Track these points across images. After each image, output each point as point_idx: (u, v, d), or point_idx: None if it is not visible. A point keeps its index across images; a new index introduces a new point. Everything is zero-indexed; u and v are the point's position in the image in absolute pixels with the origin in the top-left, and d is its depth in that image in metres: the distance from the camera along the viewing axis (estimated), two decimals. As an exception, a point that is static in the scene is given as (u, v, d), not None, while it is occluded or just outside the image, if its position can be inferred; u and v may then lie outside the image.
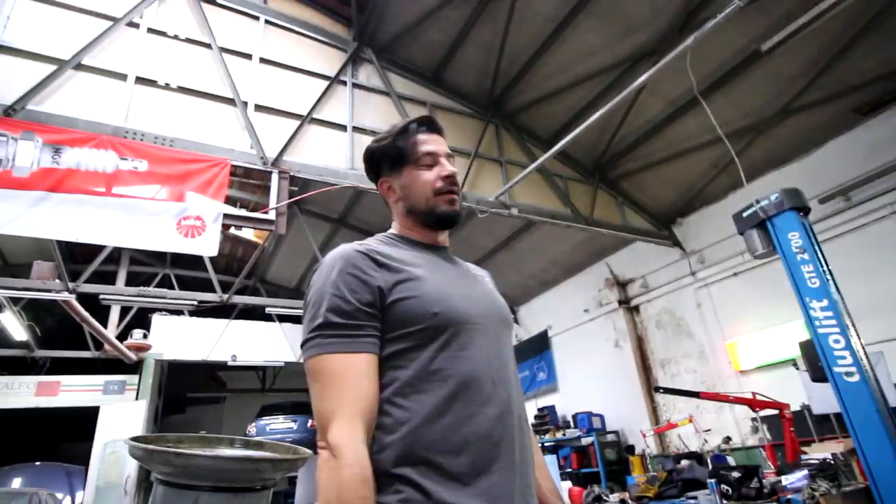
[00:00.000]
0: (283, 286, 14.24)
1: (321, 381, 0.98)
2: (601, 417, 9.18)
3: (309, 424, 12.34)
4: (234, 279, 9.98)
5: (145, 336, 11.07)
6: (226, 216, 5.06)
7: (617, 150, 7.91)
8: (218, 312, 11.75)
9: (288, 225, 11.50)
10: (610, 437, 8.91)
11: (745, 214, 3.95)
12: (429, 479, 0.93)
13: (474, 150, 7.10)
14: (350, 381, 0.96)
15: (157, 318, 11.30)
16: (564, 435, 9.13)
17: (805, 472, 3.08)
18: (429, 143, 1.23)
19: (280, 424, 12.13)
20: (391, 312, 1.03)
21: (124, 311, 10.52)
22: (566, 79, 7.02)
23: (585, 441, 8.70)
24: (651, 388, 8.83)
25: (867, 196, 6.32)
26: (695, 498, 3.41)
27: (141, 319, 11.16)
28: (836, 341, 3.31)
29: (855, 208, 6.44)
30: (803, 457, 4.60)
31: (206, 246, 4.88)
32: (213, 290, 8.98)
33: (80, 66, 5.04)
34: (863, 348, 3.33)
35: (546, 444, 9.24)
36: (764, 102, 6.64)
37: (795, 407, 6.03)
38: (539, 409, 10.21)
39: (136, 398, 11.16)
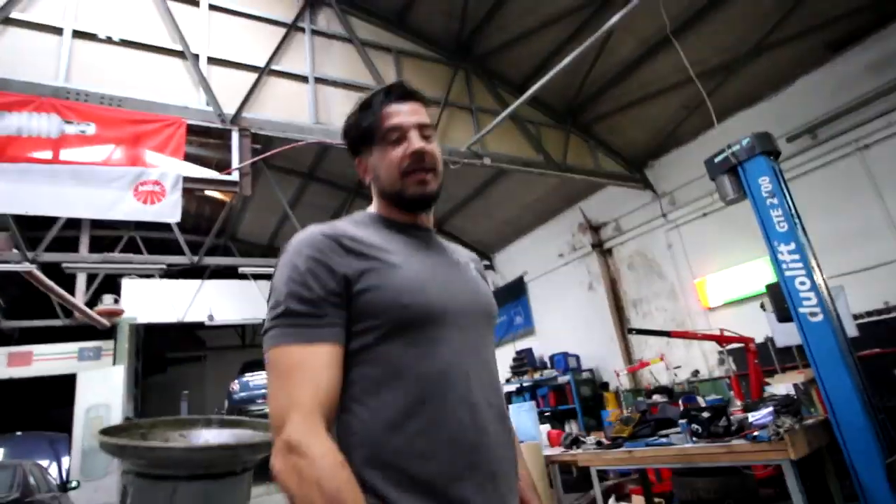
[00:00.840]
0: (256, 243, 13.99)
1: (277, 374, 0.90)
2: (577, 357, 9.51)
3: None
4: (203, 238, 9.73)
5: (116, 301, 10.85)
6: (186, 179, 4.84)
7: (589, 92, 7.76)
8: (190, 273, 11.53)
9: (254, 182, 11.17)
10: (585, 376, 9.28)
11: (716, 160, 3.95)
12: (393, 486, 0.87)
13: (444, 99, 6.87)
14: (308, 373, 0.88)
15: (126, 282, 11.05)
16: (542, 375, 9.45)
17: (770, 408, 3.24)
18: (396, 115, 1.09)
19: (264, 380, 12.18)
20: (357, 303, 0.95)
21: (91, 276, 10.23)
22: (536, 19, 6.74)
23: (562, 380, 9.03)
24: (624, 327, 9.12)
25: (833, 133, 6.39)
26: (666, 436, 3.57)
27: (110, 283, 10.89)
28: (802, 283, 3.42)
29: (821, 146, 6.52)
30: (767, 388, 4.86)
31: (168, 212, 4.68)
32: (181, 253, 8.73)
33: (8, 21, 4.60)
34: (826, 289, 3.45)
35: (525, 385, 9.59)
36: (737, 40, 6.53)
37: (760, 339, 6.31)
38: (517, 352, 10.51)
39: (114, 363, 11.08)
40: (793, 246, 3.47)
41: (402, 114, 1.10)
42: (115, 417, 10.43)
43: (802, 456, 2.89)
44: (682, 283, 8.26)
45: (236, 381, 12.16)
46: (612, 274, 9.44)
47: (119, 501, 2.06)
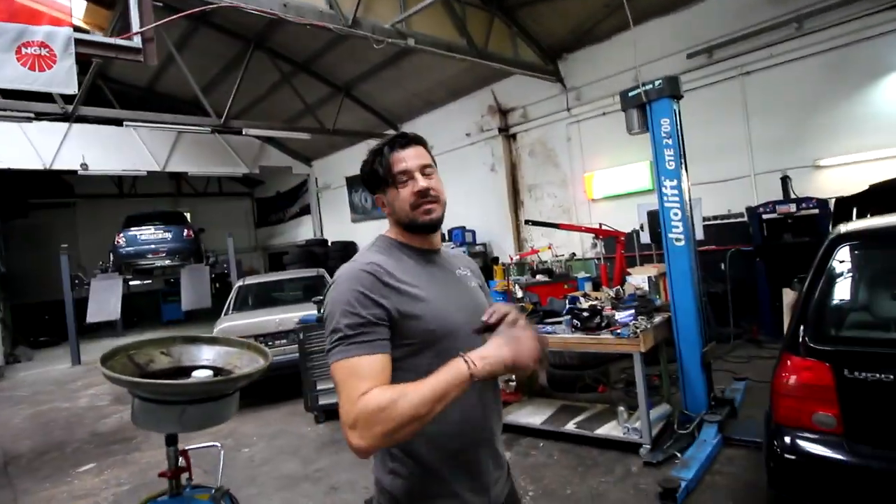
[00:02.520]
0: (133, 85, 12.33)
1: (342, 380, 1.11)
2: (473, 233, 10.39)
3: (185, 234, 12.12)
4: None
5: (-37, 142, 9.38)
6: (79, 42, 4.24)
7: (518, -28, 7.51)
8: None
9: (185, 44, 9.61)
10: (479, 249, 10.26)
11: (630, 94, 4.33)
12: (429, 450, 1.22)
13: (369, -36, 6.28)
14: (365, 373, 1.11)
15: (-26, 122, 9.45)
16: (440, 247, 10.27)
17: (632, 311, 4.16)
18: (402, 161, 1.30)
19: (152, 235, 11.74)
20: (397, 327, 1.20)
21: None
22: None
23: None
24: (518, 208, 10.03)
25: (725, 56, 7.04)
26: (554, 323, 4.42)
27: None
28: (675, 214, 4.18)
29: (714, 65, 7.20)
30: (627, 277, 5.98)
31: (62, 80, 4.14)
32: (49, 98, 7.61)
33: None
34: (691, 218, 4.25)
35: (423, 255, 10.39)
36: (666, -56, 6.60)
37: (628, 230, 7.44)
38: (418, 223, 11.14)
39: (-30, 213, 9.88)
40: (675, 182, 4.16)
41: (407, 159, 1.30)
42: (-16, 271, 9.66)
43: (649, 348, 3.88)
44: (574, 174, 9.12)
45: (122, 235, 11.55)
46: (514, 159, 10.04)
47: (131, 414, 2.22)
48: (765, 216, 6.49)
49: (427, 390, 1.05)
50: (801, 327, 2.33)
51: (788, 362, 2.33)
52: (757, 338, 6.57)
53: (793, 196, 6.54)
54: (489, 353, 1.09)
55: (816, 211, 6.03)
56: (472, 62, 8.06)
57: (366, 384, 1.08)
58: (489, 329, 1.16)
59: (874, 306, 2.37)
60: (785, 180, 6.65)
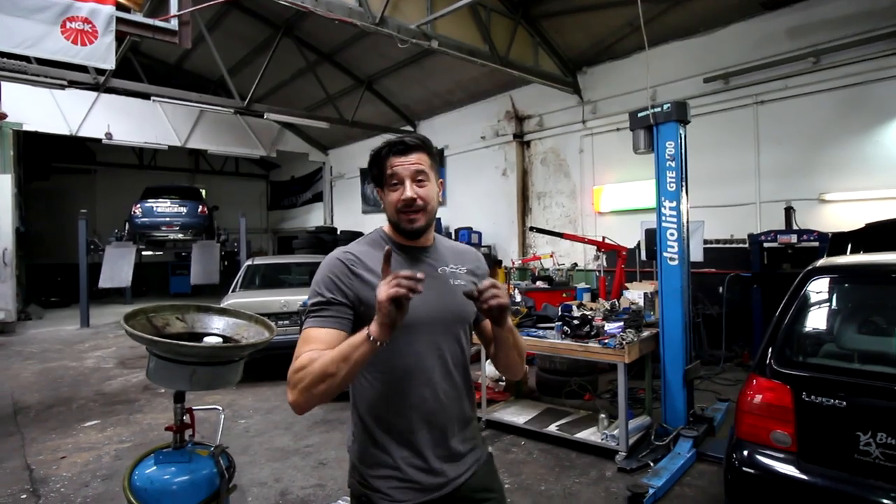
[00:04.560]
0: (161, 60, 12.63)
1: (298, 345, 1.28)
2: (479, 234, 10.56)
3: (199, 210, 12.41)
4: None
5: (-5, 101, 9.67)
6: (119, 21, 4.47)
7: (546, -15, 7.66)
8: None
9: (216, 25, 9.83)
10: (483, 251, 10.42)
11: (639, 115, 4.48)
12: (380, 430, 1.37)
13: (399, -35, 6.48)
14: (312, 341, 1.26)
15: (8, 84, 9.73)
16: (446, 245, 10.46)
17: (621, 323, 4.33)
18: (396, 166, 1.37)
19: (168, 208, 12.04)
20: (358, 314, 1.33)
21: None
22: None
23: (463, 252, 10.12)
24: (526, 215, 10.19)
25: (742, 83, 7.16)
26: (543, 329, 4.59)
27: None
28: (672, 234, 4.34)
29: (729, 91, 7.32)
30: (625, 291, 6.13)
31: (101, 55, 4.39)
32: (83, 69, 7.87)
33: None
34: (686, 239, 4.40)
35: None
36: (692, -30, 6.73)
37: (631, 245, 7.58)
38: (426, 220, 11.34)
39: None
40: (674, 204, 4.31)
41: (401, 164, 1.36)
42: (5, 228, 9.99)
43: (633, 360, 4.04)
44: (584, 186, 9.27)
45: (139, 206, 11.86)
46: (526, 165, 10.20)
47: (146, 371, 2.42)
48: (766, 244, 6.62)
49: (336, 352, 1.17)
50: (770, 350, 2.49)
51: (754, 382, 2.50)
52: (748, 363, 6.70)
53: (795, 227, 6.66)
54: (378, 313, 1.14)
55: (817, 244, 6.14)
56: (492, 68, 8.24)
57: (304, 349, 1.25)
58: (474, 298, 1.23)
59: (839, 337, 2.53)
60: (789, 211, 6.77)
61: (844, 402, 2.19)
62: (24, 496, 3.57)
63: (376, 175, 1.43)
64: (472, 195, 10.99)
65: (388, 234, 1.48)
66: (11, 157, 10.50)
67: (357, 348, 1.16)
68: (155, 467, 2.32)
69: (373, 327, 1.14)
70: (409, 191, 1.35)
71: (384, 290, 1.11)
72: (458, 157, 11.38)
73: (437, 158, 1.48)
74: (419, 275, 1.12)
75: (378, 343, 1.14)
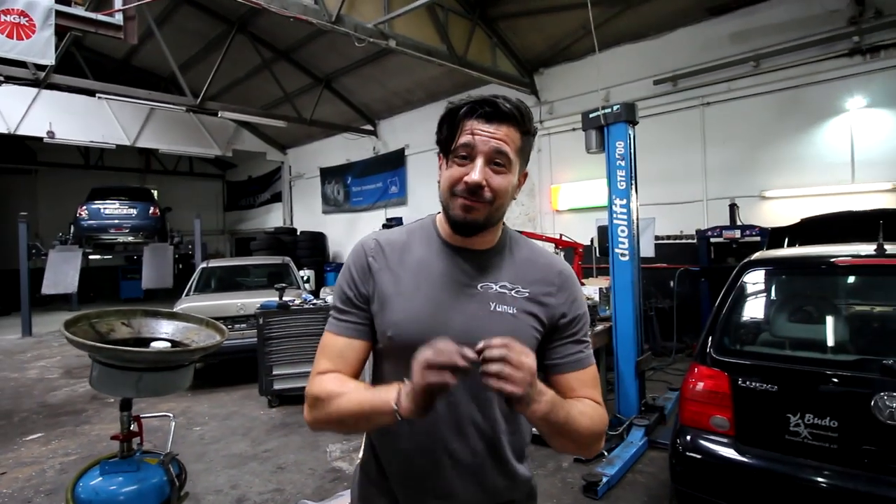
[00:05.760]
0: (108, 55, 12.11)
1: (318, 350, 1.12)
2: (440, 233, 10.60)
3: (150, 212, 11.97)
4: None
5: (-78, 98, 9.08)
6: (59, 15, 4.28)
7: (502, -14, 7.77)
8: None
9: (166, 20, 9.42)
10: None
11: (591, 115, 4.62)
12: (374, 475, 1.18)
13: (356, -38, 6.44)
14: (330, 352, 1.10)
15: (-64, 79, 9.14)
16: (407, 245, 10.46)
17: (576, 318, 4.47)
18: (473, 133, 1.01)
19: (117, 210, 11.56)
20: (374, 317, 1.11)
21: None
22: None
23: (424, 252, 10.14)
24: (486, 213, 10.29)
25: (689, 85, 7.45)
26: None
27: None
28: (623, 231, 4.49)
29: (678, 94, 7.59)
30: (582, 287, 6.30)
31: (39, 50, 4.20)
32: (21, 63, 7.47)
33: None
34: (637, 236, 4.56)
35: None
36: (641, -23, 6.95)
37: (587, 241, 7.77)
38: (388, 219, 11.33)
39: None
40: (625, 202, 4.46)
41: (481, 135, 1.01)
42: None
43: (587, 354, 4.18)
44: (542, 185, 9.44)
45: (85, 207, 11.34)
46: (486, 165, 10.30)
47: (89, 379, 2.28)
48: (712, 239, 6.93)
49: (355, 404, 1.00)
50: (709, 340, 2.63)
51: (695, 370, 2.63)
52: (695, 353, 6.98)
53: (739, 223, 6.99)
54: (411, 383, 0.89)
55: (759, 238, 6.46)
56: (451, 68, 8.29)
57: (325, 364, 1.09)
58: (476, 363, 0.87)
59: (772, 325, 2.69)
60: (732, 207, 7.09)
61: (776, 387, 2.33)
62: (-40, 515, 3.39)
63: (444, 137, 1.06)
64: (433, 194, 10.95)
65: (439, 224, 1.16)
66: (-58, 157, 9.87)
67: (380, 414, 0.96)
68: (101, 478, 2.26)
69: (403, 402, 0.90)
70: (479, 173, 1.00)
71: (420, 372, 0.85)
72: (418, 156, 11.39)
73: (532, 141, 1.13)
74: (469, 353, 0.85)
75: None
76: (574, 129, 8.76)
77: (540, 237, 7.82)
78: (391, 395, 0.92)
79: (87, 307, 13.23)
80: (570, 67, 8.73)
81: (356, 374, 1.10)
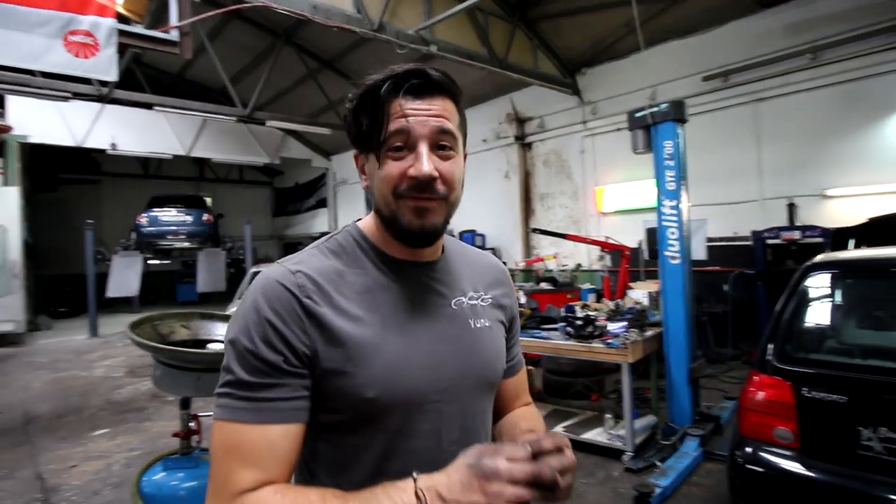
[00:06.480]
0: (164, 70, 12.73)
1: (219, 452, 0.74)
2: (483, 237, 10.59)
3: (204, 218, 12.51)
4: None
5: (0, 115, 9.80)
6: (121, 33, 4.54)
7: (544, -13, 7.70)
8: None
9: (217, 35, 9.87)
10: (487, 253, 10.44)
11: (637, 115, 4.51)
12: None
13: (397, -30, 6.53)
14: (251, 454, 0.73)
15: (13, 97, 9.87)
16: (450, 248, 10.52)
17: (625, 323, 4.34)
18: (405, 115, 0.79)
19: (174, 217, 12.16)
20: (319, 383, 0.79)
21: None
22: None
23: (467, 255, 10.16)
24: (529, 216, 10.21)
25: (741, 81, 7.16)
26: (550, 330, 4.60)
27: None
28: (673, 233, 4.35)
29: (729, 90, 7.31)
30: (629, 291, 6.13)
31: (103, 67, 4.46)
32: (86, 80, 7.96)
33: None
34: (688, 238, 4.41)
35: (433, 255, 10.64)
36: (688, -30, 6.75)
37: (634, 244, 7.58)
38: (430, 223, 11.40)
39: (5, 183, 10.34)
40: (674, 203, 4.32)
41: (416, 114, 0.79)
42: (13, 240, 10.09)
43: (637, 359, 4.05)
44: (586, 186, 9.28)
45: (145, 215, 11.99)
46: (528, 167, 10.23)
47: (152, 378, 2.43)
48: (769, 241, 6.61)
49: None
50: (769, 347, 2.51)
51: (755, 379, 2.51)
52: (754, 360, 6.67)
53: (798, 223, 6.65)
54: (450, 494, 0.67)
55: (821, 240, 6.13)
56: (492, 71, 8.27)
57: (246, 475, 0.72)
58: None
59: (839, 332, 2.54)
60: (791, 207, 6.76)
61: (846, 398, 2.20)
62: (36, 505, 3.61)
63: (366, 129, 0.82)
64: (475, 198, 10.99)
65: (368, 234, 0.90)
66: (18, 170, 10.62)
67: None
68: (163, 473, 2.37)
69: None
70: (427, 163, 0.79)
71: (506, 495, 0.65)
72: (459, 160, 11.40)
73: (464, 114, 0.89)
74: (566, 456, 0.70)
75: None
76: (619, 130, 8.58)
77: (584, 240, 7.71)
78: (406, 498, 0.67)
79: (147, 309, 13.93)
80: (613, 66, 8.56)
81: (289, 478, 0.77)
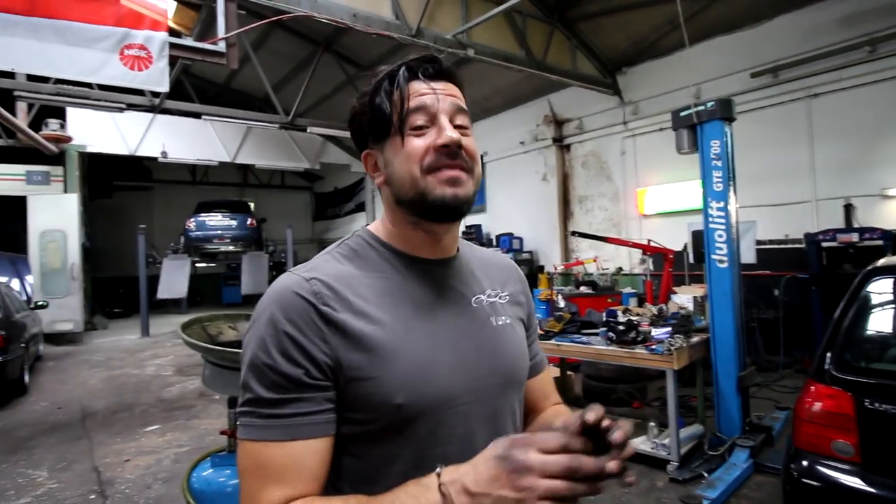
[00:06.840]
0: (211, 81, 13.23)
1: (246, 471, 0.73)
2: (520, 240, 10.50)
3: (248, 223, 12.90)
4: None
5: (62, 126, 10.38)
6: (172, 46, 4.73)
7: (583, -14, 7.61)
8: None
9: (260, 45, 10.23)
10: (525, 256, 10.36)
11: (682, 114, 4.37)
12: None
13: (434, -25, 6.58)
14: (280, 472, 0.71)
15: (73, 109, 10.44)
16: (487, 252, 10.48)
17: (669, 328, 4.20)
18: (424, 94, 0.81)
19: (219, 221, 12.61)
20: (342, 391, 0.76)
21: (34, 99, 9.58)
22: None
23: (504, 259, 10.10)
24: (567, 219, 10.07)
25: (792, 76, 6.86)
26: (588, 335, 4.52)
27: (52, 107, 10.28)
28: (720, 236, 4.19)
29: (779, 86, 7.02)
30: (673, 296, 5.95)
31: (156, 79, 4.66)
32: (140, 92, 8.36)
33: None
34: (736, 240, 4.24)
35: (470, 258, 10.62)
36: (735, -37, 6.53)
37: (678, 247, 7.35)
38: (467, 226, 11.37)
39: (66, 191, 10.95)
40: (722, 205, 4.17)
41: (433, 94, 0.81)
42: (72, 244, 10.68)
43: (682, 366, 3.92)
44: (626, 188, 9.08)
45: (192, 220, 12.47)
46: (567, 169, 10.09)
47: (201, 378, 2.56)
48: (824, 244, 6.29)
49: None
50: (828, 355, 2.38)
51: (812, 388, 2.39)
52: (808, 369, 6.35)
53: (856, 225, 6.31)
54: (476, 487, 0.62)
55: (881, 242, 5.80)
56: (530, 73, 8.22)
57: (275, 492, 0.70)
58: (589, 432, 0.62)
59: (904, 341, 2.39)
60: (848, 208, 6.42)
61: (913, 410, 2.07)
62: (93, 496, 3.79)
63: (377, 118, 0.84)
64: (513, 201, 10.95)
65: (381, 236, 0.90)
66: (77, 178, 11.23)
67: None
68: (211, 470, 2.44)
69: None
70: (452, 130, 0.80)
71: (540, 489, 0.59)
72: (497, 162, 11.37)
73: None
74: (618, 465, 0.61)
75: None
76: (661, 130, 8.37)
77: (626, 243, 7.54)
78: (432, 500, 0.63)
79: (194, 311, 14.48)
80: (655, 65, 8.36)
81: (320, 493, 0.74)
